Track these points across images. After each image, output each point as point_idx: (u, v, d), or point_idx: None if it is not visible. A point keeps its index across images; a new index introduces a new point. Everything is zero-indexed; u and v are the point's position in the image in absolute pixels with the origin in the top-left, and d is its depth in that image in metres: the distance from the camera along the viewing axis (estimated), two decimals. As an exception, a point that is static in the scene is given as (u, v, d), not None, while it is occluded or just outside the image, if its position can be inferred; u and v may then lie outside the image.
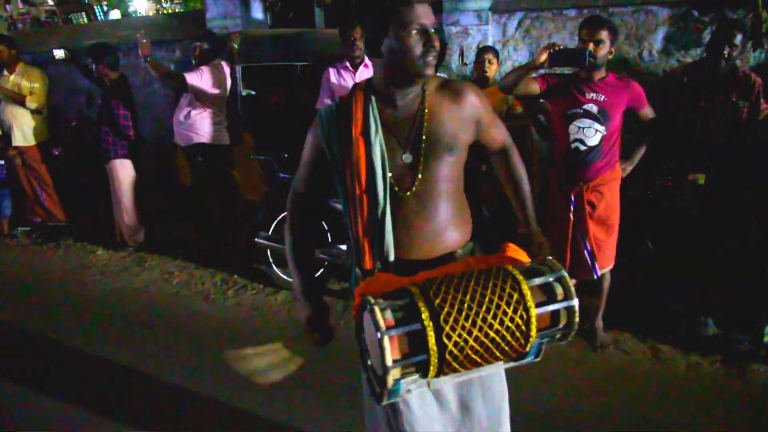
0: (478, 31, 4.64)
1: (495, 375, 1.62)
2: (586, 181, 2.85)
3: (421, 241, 1.52)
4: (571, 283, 1.33)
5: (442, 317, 1.21)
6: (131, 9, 13.50)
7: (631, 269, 3.46)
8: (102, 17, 11.69)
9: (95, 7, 12.05)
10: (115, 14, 12.30)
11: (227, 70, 4.42)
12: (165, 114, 5.55)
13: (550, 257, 1.40)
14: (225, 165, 4.59)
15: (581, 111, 2.78)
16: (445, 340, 1.21)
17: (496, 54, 3.93)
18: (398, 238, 1.50)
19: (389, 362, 1.19)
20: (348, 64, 3.84)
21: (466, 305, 1.23)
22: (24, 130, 5.12)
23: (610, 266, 3.02)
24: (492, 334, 1.23)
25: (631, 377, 2.91)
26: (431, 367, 1.23)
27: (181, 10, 11.69)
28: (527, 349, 1.29)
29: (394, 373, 1.21)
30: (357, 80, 3.79)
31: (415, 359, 1.23)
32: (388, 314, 1.23)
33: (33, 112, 5.08)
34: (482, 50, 3.94)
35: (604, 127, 2.76)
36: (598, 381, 2.89)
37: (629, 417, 2.61)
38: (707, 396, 2.74)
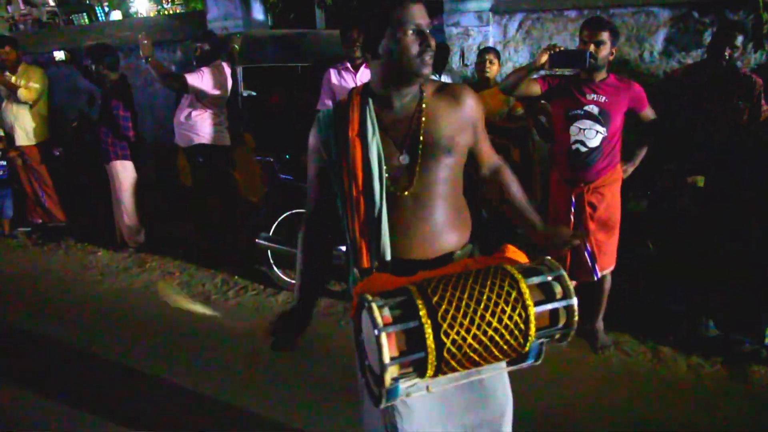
0: (478, 32, 4.65)
1: (497, 379, 1.62)
2: (587, 182, 2.84)
3: (418, 241, 1.52)
4: (570, 282, 1.33)
5: (439, 314, 1.21)
6: (132, 10, 13.49)
7: (632, 270, 3.46)
8: (103, 18, 11.69)
9: (96, 8, 12.06)
10: (116, 15, 12.29)
11: (228, 70, 4.42)
12: (165, 115, 5.55)
13: (549, 257, 1.40)
14: (225, 166, 4.59)
15: (582, 112, 2.78)
16: (443, 338, 1.20)
17: (497, 55, 3.94)
18: (395, 238, 1.51)
19: (386, 359, 1.18)
20: (349, 64, 3.84)
21: (464, 303, 1.23)
22: (25, 130, 5.13)
23: (611, 268, 3.01)
24: (491, 332, 1.23)
25: (632, 378, 2.90)
26: (429, 366, 1.22)
27: (182, 11, 11.69)
28: (526, 348, 1.29)
29: (391, 371, 1.21)
30: (358, 81, 3.80)
31: (413, 357, 1.22)
32: (386, 311, 1.22)
33: (30, 107, 5.06)
34: (483, 51, 3.95)
35: (605, 129, 2.76)
36: (598, 382, 2.88)
37: (630, 418, 2.60)
38: (708, 397, 2.74)
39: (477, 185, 1.84)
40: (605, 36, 2.69)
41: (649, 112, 2.90)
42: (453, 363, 1.23)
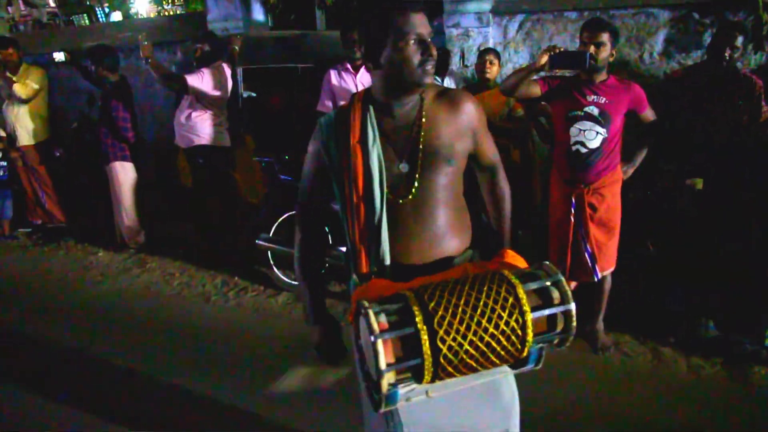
0: (479, 33, 4.65)
1: (504, 381, 1.61)
2: (587, 183, 2.85)
3: (417, 247, 1.53)
4: (568, 287, 1.33)
5: (436, 321, 1.21)
6: (133, 11, 13.50)
7: (632, 271, 3.46)
8: (103, 19, 11.69)
9: (97, 9, 12.06)
10: (116, 16, 12.29)
11: (228, 71, 4.42)
12: (166, 115, 5.56)
13: (547, 262, 1.40)
14: (225, 167, 4.59)
15: (582, 113, 2.78)
16: (440, 344, 1.20)
17: (498, 55, 3.94)
18: (395, 245, 1.51)
19: (383, 365, 1.19)
20: (349, 65, 3.85)
21: (460, 309, 1.23)
22: (26, 130, 5.13)
23: (611, 268, 3.01)
24: (487, 338, 1.23)
25: (632, 379, 2.90)
26: (426, 372, 1.22)
27: (183, 11, 11.69)
28: (525, 353, 1.29)
29: (388, 377, 1.21)
30: (358, 81, 3.80)
31: (410, 363, 1.23)
32: (382, 318, 1.23)
33: (29, 108, 5.05)
34: (483, 52, 3.95)
35: (605, 130, 2.76)
36: (599, 383, 2.88)
37: (630, 419, 2.60)
38: (708, 398, 2.74)
39: (477, 190, 1.85)
40: (605, 37, 2.69)
41: (649, 113, 2.90)
42: (450, 369, 1.24)
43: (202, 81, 4.22)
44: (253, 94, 4.89)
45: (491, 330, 1.23)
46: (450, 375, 1.26)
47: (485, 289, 1.26)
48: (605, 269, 2.98)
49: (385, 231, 1.50)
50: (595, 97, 2.77)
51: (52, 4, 12.43)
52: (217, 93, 4.32)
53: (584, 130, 2.78)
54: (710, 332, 3.15)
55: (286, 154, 3.96)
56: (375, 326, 1.19)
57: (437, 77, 3.96)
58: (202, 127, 4.35)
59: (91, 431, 2.70)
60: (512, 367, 1.40)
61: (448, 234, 1.55)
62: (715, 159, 3.04)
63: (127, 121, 4.58)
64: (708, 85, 3.04)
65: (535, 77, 2.83)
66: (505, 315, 1.24)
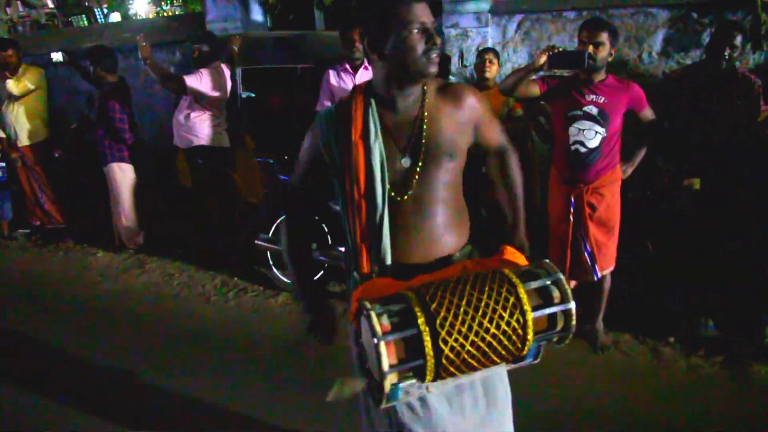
0: (477, 33, 4.65)
1: (497, 376, 1.62)
2: (587, 182, 2.85)
3: (418, 245, 1.52)
4: (568, 285, 1.33)
5: (438, 322, 1.21)
6: (132, 11, 13.49)
7: (632, 270, 3.46)
8: (102, 20, 11.68)
9: (95, 10, 12.05)
10: (115, 17, 12.28)
11: (227, 72, 4.42)
12: (165, 116, 5.55)
13: (547, 260, 1.40)
14: (225, 167, 4.59)
15: (581, 113, 2.79)
16: (442, 345, 1.21)
17: (497, 55, 3.93)
18: (396, 242, 1.50)
19: (386, 367, 1.19)
20: (348, 66, 3.85)
21: (462, 310, 1.23)
22: (26, 131, 5.12)
23: (611, 268, 3.02)
24: (488, 338, 1.23)
25: (632, 379, 2.91)
26: (428, 372, 1.23)
27: (181, 12, 11.69)
28: (524, 352, 1.29)
29: (390, 378, 1.22)
30: (357, 82, 3.80)
31: (412, 364, 1.23)
32: (385, 319, 1.23)
33: (17, 99, 5.03)
34: (483, 51, 3.94)
35: (604, 129, 2.77)
36: (598, 382, 2.89)
37: (630, 418, 2.61)
38: (708, 397, 2.75)
39: (477, 185, 1.85)
40: (604, 37, 2.69)
41: (648, 113, 2.90)
42: (451, 369, 1.24)
43: (200, 81, 4.22)
44: (253, 95, 4.89)
45: (492, 330, 1.23)
46: (451, 374, 1.26)
47: (486, 289, 1.26)
48: (605, 268, 2.99)
49: (386, 229, 1.48)
50: (594, 96, 2.77)
51: (51, 5, 12.42)
52: (215, 93, 4.31)
53: (583, 130, 2.79)
54: (710, 331, 3.16)
55: (285, 155, 3.96)
56: (378, 328, 1.20)
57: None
58: (201, 127, 4.35)
59: (90, 431, 2.69)
60: (511, 363, 1.40)
61: (448, 230, 1.55)
62: (713, 159, 3.04)
63: (124, 122, 4.57)
64: (707, 84, 3.04)
65: (534, 77, 2.83)
66: (506, 315, 1.24)
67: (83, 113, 5.62)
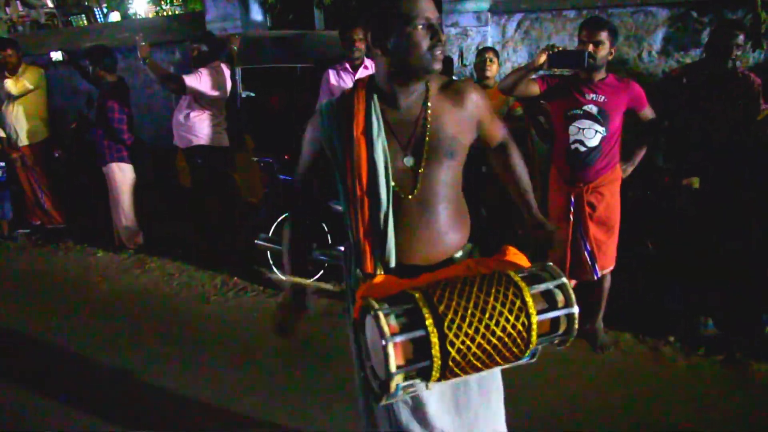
0: (477, 33, 4.65)
1: (491, 377, 1.63)
2: (587, 182, 2.85)
3: (422, 245, 1.51)
4: (572, 290, 1.34)
5: (446, 324, 1.22)
6: (131, 11, 13.50)
7: (632, 270, 3.46)
8: (102, 19, 11.69)
9: (95, 9, 12.06)
10: (114, 16, 12.30)
11: (227, 72, 4.42)
12: (165, 115, 5.55)
13: (551, 263, 1.40)
14: (224, 167, 4.59)
15: (581, 112, 2.79)
16: (449, 347, 1.21)
17: (497, 54, 3.93)
18: (399, 241, 1.49)
19: (393, 369, 1.19)
20: (348, 65, 3.85)
21: (469, 312, 1.23)
22: (26, 130, 5.12)
23: (611, 267, 3.02)
24: (494, 340, 1.24)
25: (632, 377, 2.90)
26: (434, 373, 1.23)
27: (181, 12, 11.69)
28: (526, 354, 1.30)
29: (397, 379, 1.22)
30: (357, 82, 3.80)
31: (419, 365, 1.23)
32: (392, 320, 1.23)
33: (15, 98, 5.02)
34: (483, 50, 3.94)
35: (604, 128, 2.77)
36: (598, 381, 2.89)
37: (629, 417, 2.61)
38: (707, 396, 2.74)
39: (477, 184, 1.85)
40: (604, 36, 2.69)
41: (648, 112, 2.90)
42: (456, 370, 1.25)
43: (199, 81, 4.21)
44: (252, 94, 4.89)
45: (498, 333, 1.24)
46: (456, 375, 1.27)
47: (493, 291, 1.27)
48: (605, 268, 2.98)
49: (391, 228, 1.47)
50: (594, 95, 2.77)
51: (50, 5, 12.42)
52: (215, 93, 4.31)
53: (583, 129, 2.79)
54: (709, 330, 3.16)
55: (285, 154, 3.96)
56: (386, 329, 1.19)
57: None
58: (200, 127, 4.35)
59: (90, 431, 2.70)
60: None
61: (450, 229, 1.54)
62: (713, 158, 3.04)
63: (123, 122, 4.56)
64: (706, 83, 3.04)
65: (533, 76, 2.83)
66: (512, 318, 1.25)
67: (82, 113, 5.62)
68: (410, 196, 1.49)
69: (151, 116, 6.15)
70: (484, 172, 3.45)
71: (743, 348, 3.02)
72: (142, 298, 4.09)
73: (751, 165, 3.00)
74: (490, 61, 3.82)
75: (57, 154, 5.35)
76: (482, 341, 1.23)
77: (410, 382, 1.29)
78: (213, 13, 5.91)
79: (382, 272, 1.48)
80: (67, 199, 5.50)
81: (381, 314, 1.21)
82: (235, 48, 4.60)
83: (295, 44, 4.65)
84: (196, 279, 4.33)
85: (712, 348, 3.06)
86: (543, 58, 2.64)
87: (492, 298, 1.25)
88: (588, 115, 2.77)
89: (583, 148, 2.80)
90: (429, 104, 1.50)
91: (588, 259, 2.93)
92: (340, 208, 1.58)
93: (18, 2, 12.03)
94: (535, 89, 2.85)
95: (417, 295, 1.27)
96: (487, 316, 1.24)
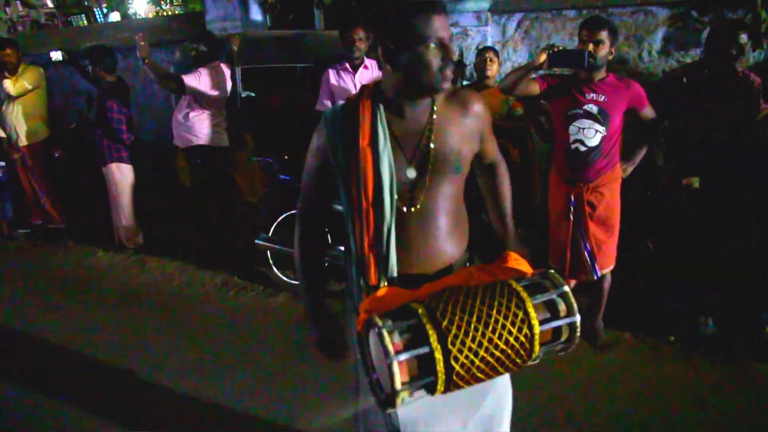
0: (477, 32, 4.65)
1: (490, 386, 1.62)
2: (587, 181, 2.84)
3: (422, 256, 1.51)
4: (574, 299, 1.34)
5: (449, 339, 1.22)
6: (131, 11, 13.49)
7: (632, 270, 3.46)
8: (102, 19, 11.68)
9: (95, 9, 12.05)
10: (114, 16, 12.28)
11: (227, 71, 4.42)
12: (164, 115, 5.55)
13: (552, 270, 1.40)
14: (224, 167, 4.59)
15: (581, 111, 2.78)
16: (453, 363, 1.22)
17: (497, 53, 3.93)
18: (400, 254, 1.48)
19: (398, 386, 1.20)
20: (348, 65, 3.85)
21: (472, 326, 1.24)
22: (26, 130, 5.12)
23: (611, 267, 3.02)
24: (497, 353, 1.25)
25: (632, 377, 2.90)
26: (438, 387, 1.24)
27: (181, 12, 11.69)
28: (528, 363, 1.31)
29: (402, 395, 1.22)
30: (356, 81, 3.80)
31: (424, 382, 1.24)
32: (396, 337, 1.23)
33: (14, 99, 5.01)
34: (483, 50, 3.95)
35: (604, 128, 2.76)
36: (598, 381, 2.88)
37: (629, 417, 2.61)
38: (707, 396, 2.74)
39: (478, 188, 1.85)
40: (604, 35, 2.69)
41: (648, 111, 2.90)
42: (461, 383, 1.26)
43: (199, 81, 4.21)
44: (252, 94, 4.89)
45: (501, 345, 1.25)
46: (459, 387, 1.28)
47: (495, 304, 1.27)
48: (605, 267, 2.98)
49: (393, 242, 1.46)
50: (594, 95, 2.76)
51: (50, 5, 12.42)
52: (215, 93, 4.31)
53: (583, 128, 2.78)
54: (709, 330, 3.16)
55: (285, 154, 3.96)
56: (390, 348, 1.20)
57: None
58: (200, 127, 4.35)
59: (90, 431, 2.69)
60: None
61: (450, 241, 1.54)
62: (713, 157, 3.04)
63: (122, 122, 4.56)
64: (706, 83, 3.04)
65: (534, 75, 2.83)
66: (515, 331, 1.25)
67: (82, 113, 5.62)
68: (412, 209, 1.48)
69: (151, 116, 6.15)
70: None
71: (743, 348, 3.03)
72: (142, 298, 4.09)
73: (751, 165, 3.00)
74: (490, 60, 3.82)
75: (57, 154, 5.35)
76: (485, 354, 1.24)
77: (415, 396, 1.29)
78: (213, 13, 5.90)
79: (386, 284, 1.47)
80: (67, 199, 5.50)
81: (385, 332, 1.21)
82: (235, 48, 4.60)
83: (295, 44, 4.65)
84: (196, 279, 4.33)
85: (712, 348, 3.06)
86: (543, 57, 2.64)
87: (495, 311, 1.26)
88: (588, 115, 2.77)
89: (583, 148, 2.80)
90: (435, 115, 1.48)
91: (588, 258, 2.93)
92: (340, 208, 1.57)
93: (18, 2, 12.03)
94: (536, 89, 2.85)
95: (420, 311, 1.27)
96: (490, 329, 1.24)
